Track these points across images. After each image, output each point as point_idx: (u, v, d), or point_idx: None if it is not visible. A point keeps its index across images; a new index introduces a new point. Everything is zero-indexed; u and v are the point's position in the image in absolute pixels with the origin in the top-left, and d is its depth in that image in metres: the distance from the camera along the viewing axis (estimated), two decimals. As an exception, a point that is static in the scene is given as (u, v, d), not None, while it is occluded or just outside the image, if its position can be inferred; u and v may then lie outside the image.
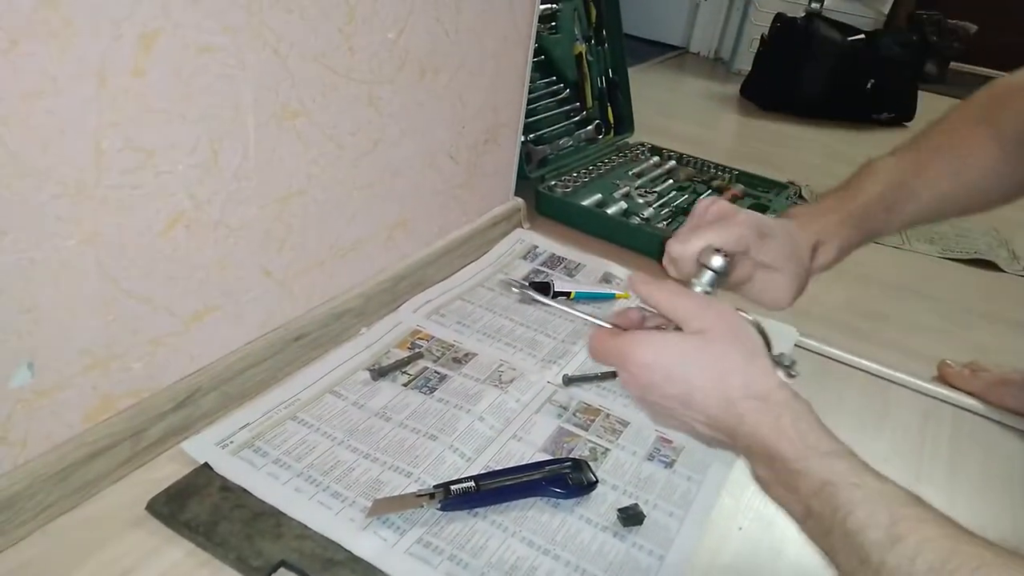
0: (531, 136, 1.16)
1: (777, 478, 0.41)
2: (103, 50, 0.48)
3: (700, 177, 1.32)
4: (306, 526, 0.56)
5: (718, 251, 0.48)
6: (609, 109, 1.37)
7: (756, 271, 0.53)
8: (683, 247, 0.49)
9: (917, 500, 0.38)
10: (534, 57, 0.98)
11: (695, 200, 1.22)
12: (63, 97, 0.46)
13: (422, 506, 0.58)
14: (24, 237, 0.47)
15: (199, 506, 0.56)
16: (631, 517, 0.60)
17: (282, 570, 0.53)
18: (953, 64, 2.65)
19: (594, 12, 1.31)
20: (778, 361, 0.46)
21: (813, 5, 2.18)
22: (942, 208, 0.61)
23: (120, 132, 0.51)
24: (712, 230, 0.49)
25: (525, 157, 1.10)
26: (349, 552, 0.54)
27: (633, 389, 0.46)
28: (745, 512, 0.64)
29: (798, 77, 1.90)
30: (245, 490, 0.58)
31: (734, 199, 1.23)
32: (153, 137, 0.53)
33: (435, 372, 0.75)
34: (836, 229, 0.56)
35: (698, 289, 0.48)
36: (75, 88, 0.47)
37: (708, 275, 0.48)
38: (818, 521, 0.39)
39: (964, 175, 0.59)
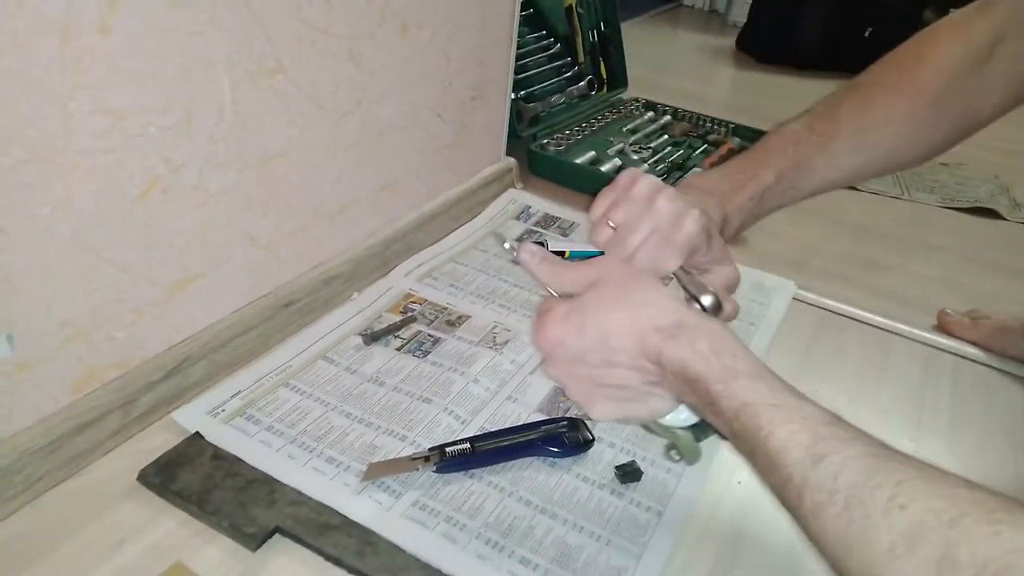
0: (521, 93, 1.13)
1: (701, 401, 0.41)
2: (65, 5, 0.45)
3: (695, 132, 1.30)
4: (300, 492, 0.55)
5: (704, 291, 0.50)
6: (602, 64, 1.34)
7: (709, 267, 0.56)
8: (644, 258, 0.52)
9: (837, 419, 0.38)
10: (522, 10, 0.95)
11: (691, 155, 1.20)
12: (24, 53, 0.44)
13: (417, 469, 0.57)
14: (-7, 205, 0.46)
15: (191, 475, 0.55)
16: (629, 474, 0.60)
17: (277, 536, 0.52)
18: (952, 11, 2.59)
19: (583, -37, 1.27)
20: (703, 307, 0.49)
21: (810, -48, 2.11)
22: (845, 180, 0.63)
23: (88, 93, 0.49)
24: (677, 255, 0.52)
25: (516, 115, 1.07)
26: (345, 516, 0.54)
27: (561, 375, 0.46)
28: (744, 466, 0.64)
29: (795, 27, 1.86)
30: (238, 458, 0.57)
31: (730, 152, 1.21)
32: (123, 99, 0.51)
33: (428, 335, 0.74)
34: (738, 211, 0.58)
35: None
36: (37, 45, 0.45)
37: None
38: (742, 441, 0.39)
39: (870, 151, 0.61)
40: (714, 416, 0.41)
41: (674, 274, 0.51)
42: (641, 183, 0.54)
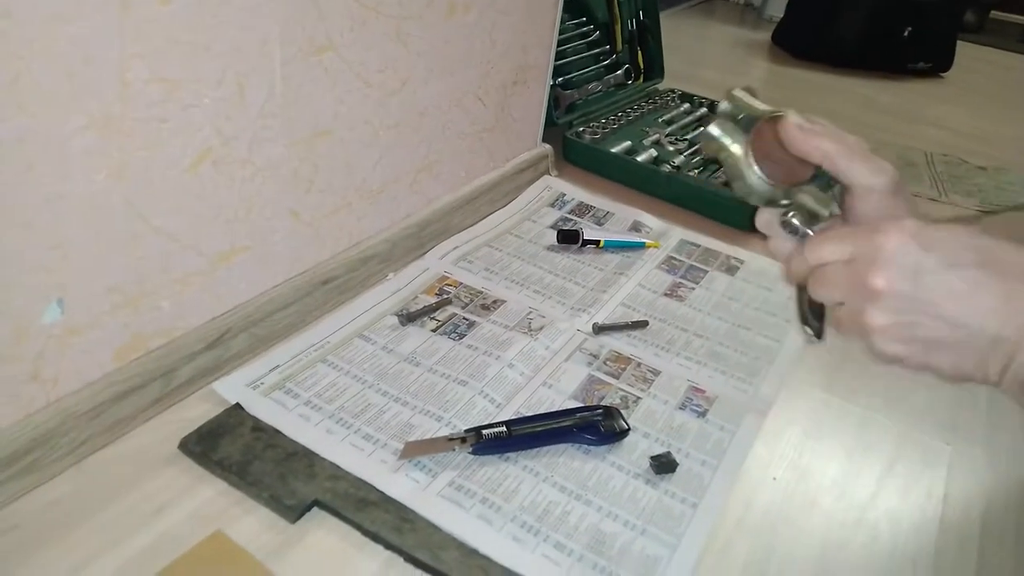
0: (559, 80, 1.13)
1: None
2: (127, -27, 0.46)
3: (731, 125, 1.28)
4: (339, 466, 0.56)
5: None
6: (639, 53, 1.32)
7: None
8: None
9: None
10: (565, -5, 0.95)
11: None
12: (86, 22, 0.44)
13: (454, 450, 0.58)
14: (51, 171, 0.46)
15: (231, 445, 0.56)
16: (664, 465, 0.60)
17: (316, 509, 0.53)
18: (993, 13, 2.54)
19: (625, -50, 1.26)
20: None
21: (851, -52, 2.08)
22: None
23: (145, 63, 0.49)
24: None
25: (553, 102, 1.07)
26: (382, 493, 0.54)
27: (890, 273, 0.38)
28: (779, 462, 0.63)
29: (833, 23, 1.83)
30: (277, 430, 0.58)
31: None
32: (178, 69, 0.51)
33: (463, 318, 0.74)
34: None
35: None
36: (98, 14, 0.45)
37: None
38: None
39: None
40: None
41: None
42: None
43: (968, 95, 1.78)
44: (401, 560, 0.51)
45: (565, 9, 0.96)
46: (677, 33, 1.94)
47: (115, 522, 0.50)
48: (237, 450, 0.56)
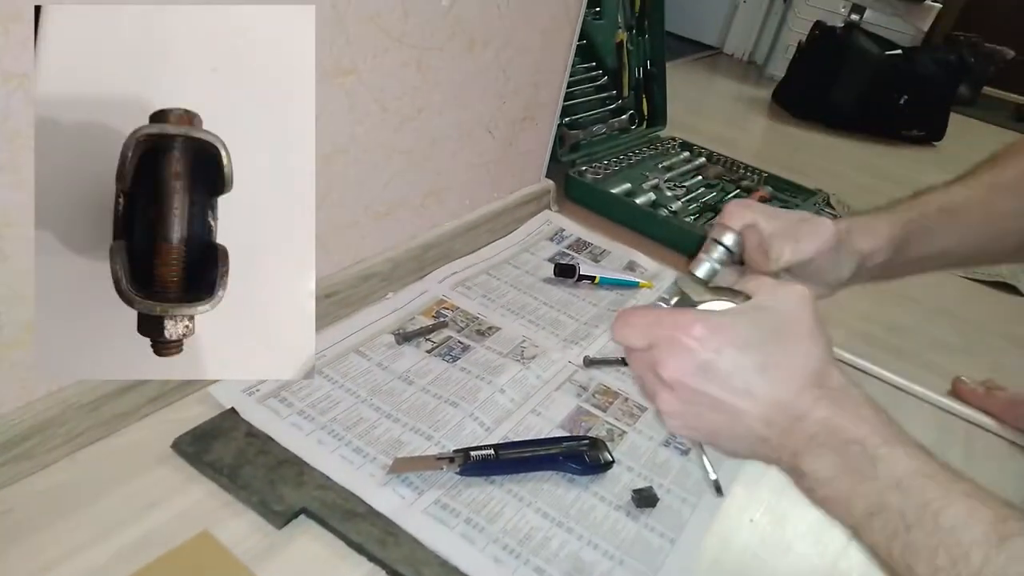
0: (567, 120, 1.16)
1: (848, 467, 0.37)
2: (173, -12, 0.48)
3: (729, 176, 1.32)
4: (328, 477, 0.57)
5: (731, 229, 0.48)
6: (644, 101, 1.37)
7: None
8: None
9: (1011, 503, 0.35)
10: (577, 41, 0.98)
11: (723, 198, 1.22)
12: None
13: (441, 469, 0.59)
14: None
15: (224, 449, 0.57)
16: (645, 499, 0.61)
17: (303, 517, 0.54)
18: (986, 88, 2.63)
19: (638, 1, 1.31)
20: None
21: (853, 16, 2.16)
22: (948, 259, 0.58)
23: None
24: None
25: (558, 140, 1.10)
26: (369, 506, 0.55)
27: (677, 367, 0.40)
28: (757, 505, 0.65)
29: (832, 86, 1.89)
30: (270, 437, 0.59)
31: (762, 200, 1.23)
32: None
33: (459, 342, 0.76)
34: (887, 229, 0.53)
35: (706, 264, 0.48)
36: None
37: (719, 251, 0.48)
38: (891, 517, 0.35)
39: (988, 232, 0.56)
40: (855, 484, 0.37)
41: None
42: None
43: (958, 164, 1.82)
44: (384, 573, 0.52)
45: (577, 54, 1.00)
46: (682, 83, 1.99)
47: (105, 514, 0.51)
48: (229, 453, 0.57)
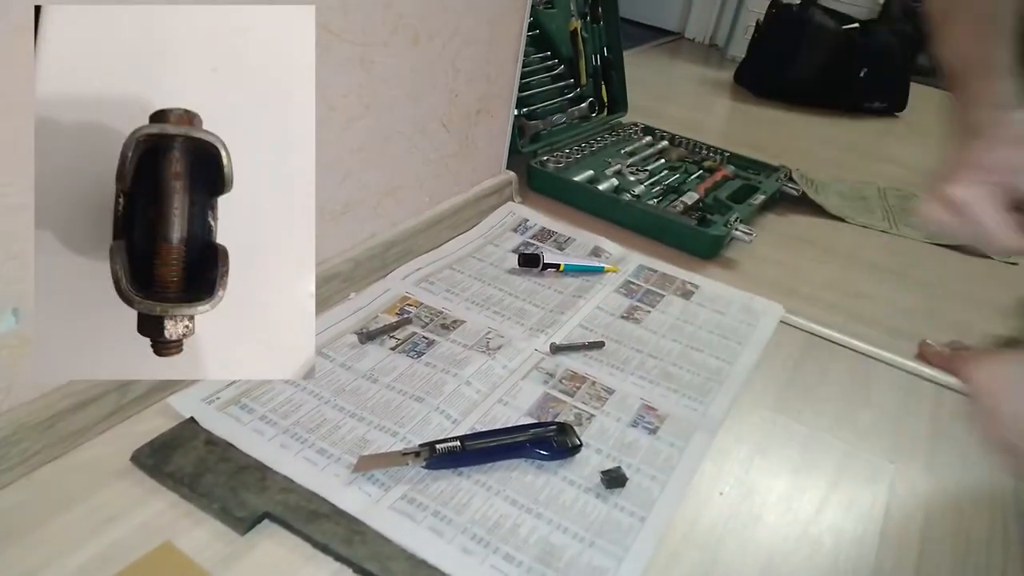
0: (524, 111, 1.16)
1: None
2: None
3: (692, 158, 1.33)
4: (291, 480, 0.56)
5: None
6: (603, 88, 1.37)
7: None
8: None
9: None
10: (529, 31, 0.98)
11: (686, 179, 1.23)
12: None
13: (407, 464, 0.58)
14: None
15: (184, 458, 0.56)
16: (614, 479, 0.61)
17: (266, 521, 0.53)
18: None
19: (590, -11, 1.31)
20: None
21: (809, -8, 2.17)
22: None
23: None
24: None
25: (518, 131, 1.10)
26: (334, 506, 0.55)
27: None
28: (726, 478, 0.65)
29: (792, 64, 1.91)
30: (230, 444, 0.58)
31: (724, 179, 1.24)
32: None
33: (423, 337, 0.75)
34: None
35: None
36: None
37: None
38: None
39: None
40: None
41: None
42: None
43: (921, 134, 1.86)
44: (350, 571, 0.51)
45: (531, 44, 1.00)
46: (643, 70, 2.00)
47: (64, 532, 0.50)
48: (189, 463, 0.56)
